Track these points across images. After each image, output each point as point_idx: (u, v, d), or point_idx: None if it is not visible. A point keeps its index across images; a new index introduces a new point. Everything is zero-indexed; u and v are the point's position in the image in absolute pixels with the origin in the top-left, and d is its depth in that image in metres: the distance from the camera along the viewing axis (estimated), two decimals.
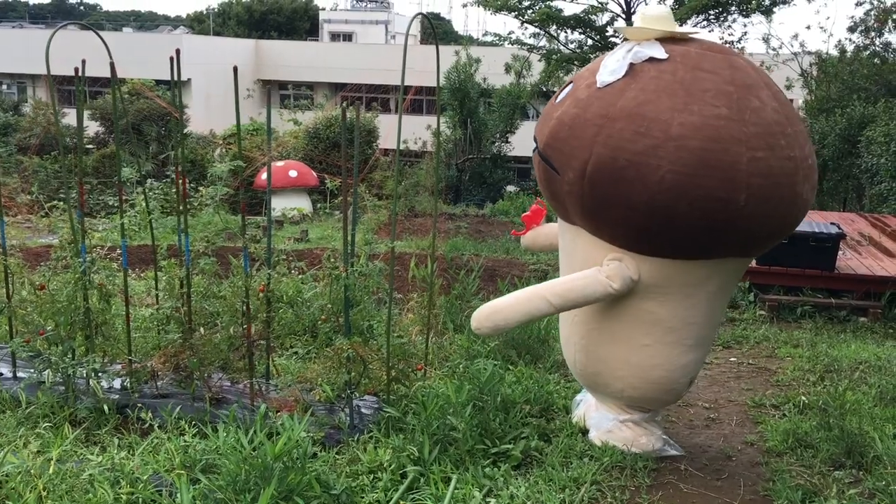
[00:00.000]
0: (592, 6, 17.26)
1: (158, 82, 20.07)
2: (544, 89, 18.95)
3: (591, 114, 3.65)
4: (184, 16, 79.93)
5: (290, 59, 35.79)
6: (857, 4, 17.61)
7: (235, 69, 4.47)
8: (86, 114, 17.98)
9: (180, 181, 4.44)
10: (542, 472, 3.88)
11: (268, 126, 4.62)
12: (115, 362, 4.71)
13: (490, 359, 5.08)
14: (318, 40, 46.61)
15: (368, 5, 51.61)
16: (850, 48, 17.94)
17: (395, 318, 5.06)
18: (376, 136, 18.99)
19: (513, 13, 17.96)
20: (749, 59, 3.89)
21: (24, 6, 70.73)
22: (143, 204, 4.87)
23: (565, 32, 18.39)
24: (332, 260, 4.55)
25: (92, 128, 18.79)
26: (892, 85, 15.62)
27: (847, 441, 4.18)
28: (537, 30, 18.70)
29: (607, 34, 17.29)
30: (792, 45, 18.96)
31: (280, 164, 15.71)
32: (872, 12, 17.68)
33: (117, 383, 4.64)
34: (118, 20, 70.49)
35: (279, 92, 33.91)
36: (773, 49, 18.84)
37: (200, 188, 4.85)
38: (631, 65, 3.68)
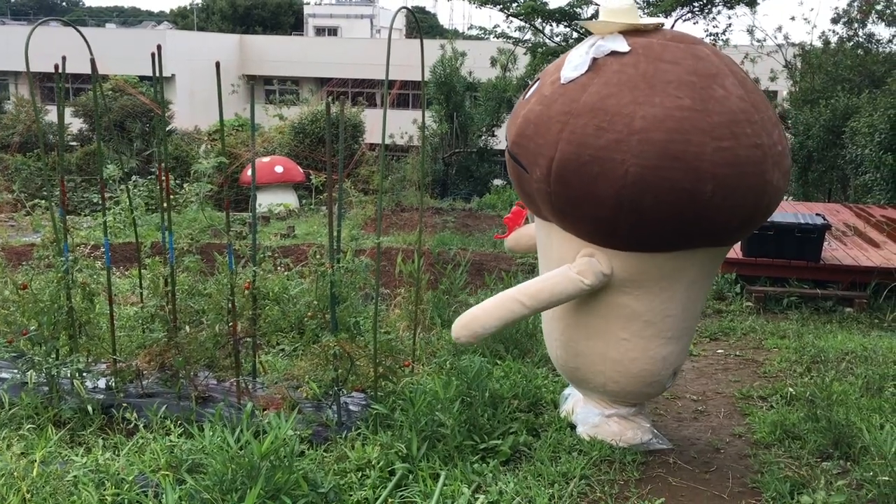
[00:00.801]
0: None
1: (142, 78, 19.96)
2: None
3: (555, 111, 3.63)
4: (167, 11, 79.54)
5: (274, 54, 35.68)
6: None
7: (218, 65, 4.41)
8: (69, 111, 17.91)
9: (164, 178, 4.40)
10: (531, 467, 3.87)
11: (252, 122, 4.58)
12: (100, 362, 4.67)
13: (478, 354, 5.07)
14: (302, 35, 46.44)
15: (353, 0, 51.45)
16: (833, 39, 18.05)
17: (382, 313, 5.04)
18: (362, 130, 18.94)
19: (498, 6, 17.98)
20: (714, 47, 3.87)
21: (5, 2, 70.02)
22: (127, 201, 4.83)
23: (550, 25, 18.42)
24: (318, 256, 4.52)
25: (75, 125, 18.65)
26: (876, 76, 15.71)
27: (834, 432, 4.19)
28: (522, 23, 18.72)
29: (580, 27, 17.30)
30: (776, 37, 19.05)
31: (266, 159, 15.65)
32: (856, 3, 17.77)
33: (102, 383, 4.60)
34: (101, 16, 69.97)
35: (264, 87, 33.81)
36: (758, 41, 18.95)
37: (185, 185, 4.81)
38: (594, 59, 3.66)
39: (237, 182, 14.33)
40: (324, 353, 4.22)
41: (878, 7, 17.37)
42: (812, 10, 63.89)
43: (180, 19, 54.55)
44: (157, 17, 69.51)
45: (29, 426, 4.05)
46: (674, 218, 3.49)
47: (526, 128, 3.76)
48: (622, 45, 3.64)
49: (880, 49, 17.54)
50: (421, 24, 4.93)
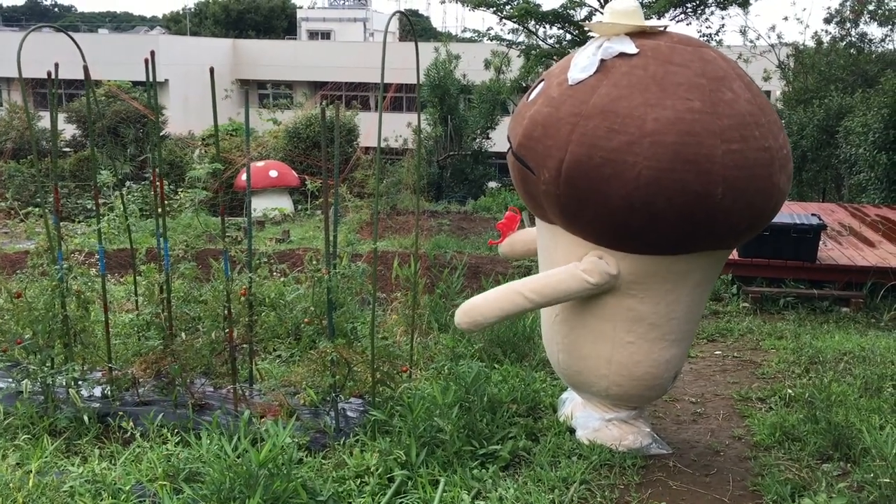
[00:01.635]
0: (571, 1, 17.28)
1: (135, 84, 19.87)
2: (524, 85, 18.95)
3: (564, 112, 3.61)
4: (160, 16, 79.39)
5: (268, 58, 35.65)
6: None
7: (212, 70, 4.40)
8: (62, 117, 17.85)
9: (158, 184, 4.37)
10: (530, 472, 3.85)
11: (246, 126, 4.55)
12: (95, 370, 4.64)
13: (475, 358, 5.05)
14: (296, 39, 46.41)
15: (346, 3, 51.47)
16: (826, 39, 18.09)
17: (380, 318, 5.02)
18: (357, 134, 18.90)
19: (491, 9, 17.97)
20: (719, 50, 3.87)
21: None
22: (122, 207, 4.80)
23: (544, 28, 18.43)
24: (315, 262, 4.50)
25: (69, 131, 18.58)
26: (869, 75, 15.75)
27: (834, 433, 4.18)
28: (516, 25, 18.72)
29: (586, 29, 17.31)
30: (769, 37, 19.17)
31: (260, 164, 15.61)
32: (848, 3, 17.82)
33: (98, 391, 4.56)
34: (93, 21, 69.77)
35: (258, 91, 33.73)
36: (751, 41, 19.00)
37: (179, 190, 4.78)
38: (602, 61, 3.65)
39: (232, 187, 14.30)
40: (321, 359, 4.19)
41: (871, 7, 17.42)
42: (805, 10, 64.35)
43: (173, 24, 54.49)
44: (150, 23, 69.41)
45: (24, 436, 4.02)
46: (685, 220, 3.48)
47: (533, 129, 3.73)
48: (630, 46, 3.62)
49: (873, 48, 17.61)
50: (415, 28, 4.92)
